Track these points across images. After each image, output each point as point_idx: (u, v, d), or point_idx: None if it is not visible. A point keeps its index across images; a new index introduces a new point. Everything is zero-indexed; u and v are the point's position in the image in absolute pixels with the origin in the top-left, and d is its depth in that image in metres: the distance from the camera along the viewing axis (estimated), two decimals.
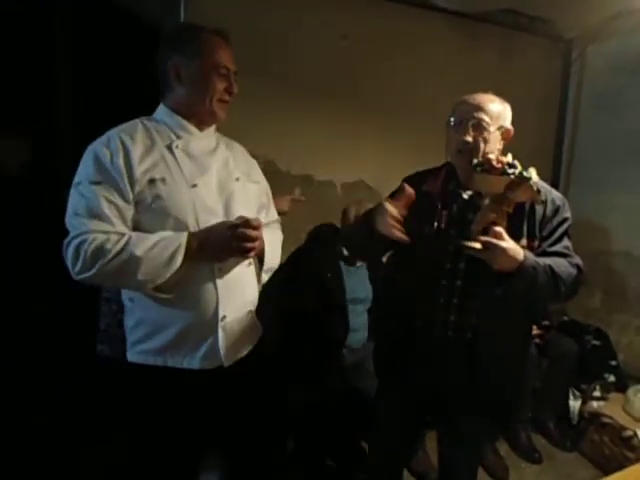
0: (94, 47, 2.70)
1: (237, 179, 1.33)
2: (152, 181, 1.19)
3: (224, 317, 1.27)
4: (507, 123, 1.41)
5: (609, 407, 2.42)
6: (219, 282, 1.25)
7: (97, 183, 1.17)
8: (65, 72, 2.72)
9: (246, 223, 1.21)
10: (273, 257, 1.41)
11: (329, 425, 2.16)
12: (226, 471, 1.63)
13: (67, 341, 2.41)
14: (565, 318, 2.92)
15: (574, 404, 2.59)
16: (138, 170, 1.18)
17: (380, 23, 2.60)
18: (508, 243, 1.23)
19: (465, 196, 1.41)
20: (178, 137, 1.27)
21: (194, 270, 1.21)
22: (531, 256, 1.28)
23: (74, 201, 1.19)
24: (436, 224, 1.37)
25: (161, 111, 1.31)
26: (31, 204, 2.58)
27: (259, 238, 1.24)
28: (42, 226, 2.56)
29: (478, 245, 1.24)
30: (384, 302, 1.63)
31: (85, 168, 1.19)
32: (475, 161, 1.27)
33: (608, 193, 2.96)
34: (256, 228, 1.22)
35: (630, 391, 2.37)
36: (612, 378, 2.64)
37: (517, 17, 2.83)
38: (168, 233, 1.19)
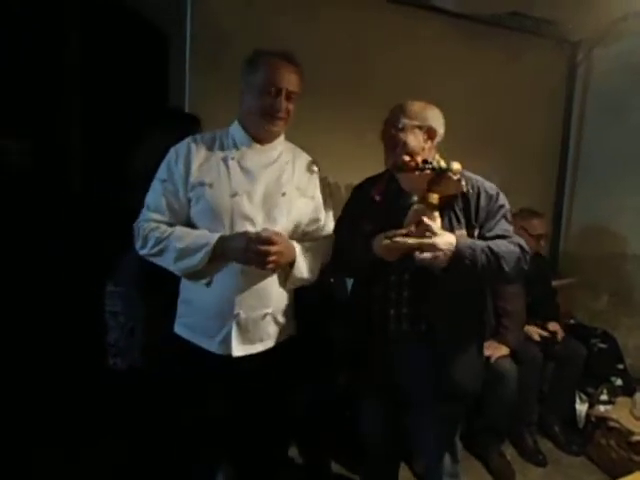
0: (103, 50, 2.74)
1: (284, 194, 1.43)
2: (202, 184, 1.38)
3: (238, 314, 1.39)
4: (430, 123, 1.50)
5: (616, 411, 2.40)
6: (239, 282, 1.38)
7: (163, 181, 1.41)
8: (74, 76, 2.75)
9: (259, 238, 1.31)
10: (304, 270, 1.46)
11: (331, 426, 2.16)
12: (231, 470, 1.64)
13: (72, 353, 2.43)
14: (572, 321, 2.91)
15: (581, 408, 2.57)
16: (194, 174, 1.38)
17: (385, 25, 2.60)
18: (440, 237, 1.33)
19: (404, 196, 1.51)
20: (237, 149, 1.43)
21: (222, 266, 1.38)
22: (465, 239, 1.38)
23: (149, 193, 1.44)
24: (379, 224, 1.45)
25: (233, 125, 1.48)
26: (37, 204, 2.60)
27: (271, 253, 1.32)
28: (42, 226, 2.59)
29: (411, 240, 1.33)
30: (349, 301, 1.73)
31: (161, 167, 1.44)
32: (396, 164, 1.42)
33: (614, 195, 2.94)
34: (272, 243, 1.31)
35: (637, 395, 2.36)
36: (619, 382, 2.62)
37: (523, 19, 2.83)
38: (205, 232, 1.37)
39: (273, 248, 1.32)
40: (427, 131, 1.50)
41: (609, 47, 2.97)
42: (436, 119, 1.52)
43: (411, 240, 1.33)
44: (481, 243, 1.37)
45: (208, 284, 1.39)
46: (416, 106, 1.52)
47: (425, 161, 1.37)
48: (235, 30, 2.21)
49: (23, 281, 2.52)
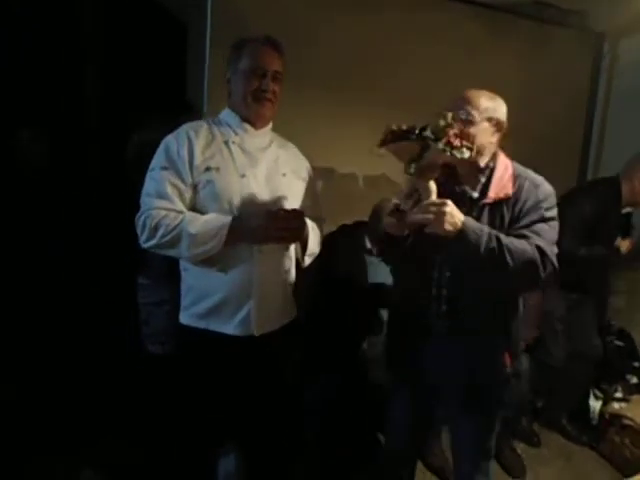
0: (122, 40, 2.74)
1: (284, 174, 1.49)
2: (208, 169, 1.39)
3: (258, 291, 1.42)
4: (499, 116, 1.42)
5: (631, 409, 2.40)
6: (256, 261, 1.40)
7: (165, 169, 1.39)
8: (93, 65, 2.76)
9: (283, 212, 1.36)
10: (315, 244, 1.55)
11: (345, 417, 2.18)
12: (242, 456, 1.67)
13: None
14: None
15: (595, 404, 2.56)
16: (198, 159, 1.39)
17: (404, 14, 2.56)
18: (450, 207, 1.25)
19: (458, 190, 1.44)
20: (236, 134, 1.46)
21: (236, 248, 1.38)
22: (472, 221, 1.29)
23: (147, 183, 1.42)
24: None
25: (224, 112, 1.52)
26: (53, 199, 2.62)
27: (295, 227, 1.39)
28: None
29: (423, 215, 1.26)
30: (392, 294, 1.71)
31: (158, 156, 1.42)
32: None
33: None
34: (296, 217, 1.38)
35: None
36: (634, 380, 2.60)
37: (546, 9, 2.77)
38: (216, 215, 1.37)
39: (297, 222, 1.39)
40: (496, 124, 1.41)
41: (636, 38, 2.89)
42: (502, 110, 1.43)
43: (422, 215, 1.27)
44: (490, 230, 1.30)
45: (222, 269, 1.40)
46: (484, 97, 1.41)
47: (409, 130, 1.24)
48: (255, 17, 2.21)
49: (23, 281, 2.54)
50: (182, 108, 1.99)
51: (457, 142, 1.22)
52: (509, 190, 1.38)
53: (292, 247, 1.51)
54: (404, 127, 1.24)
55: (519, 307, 1.50)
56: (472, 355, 1.44)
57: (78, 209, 2.58)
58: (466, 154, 1.23)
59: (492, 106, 1.41)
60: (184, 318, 1.49)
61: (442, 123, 1.23)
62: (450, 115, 1.23)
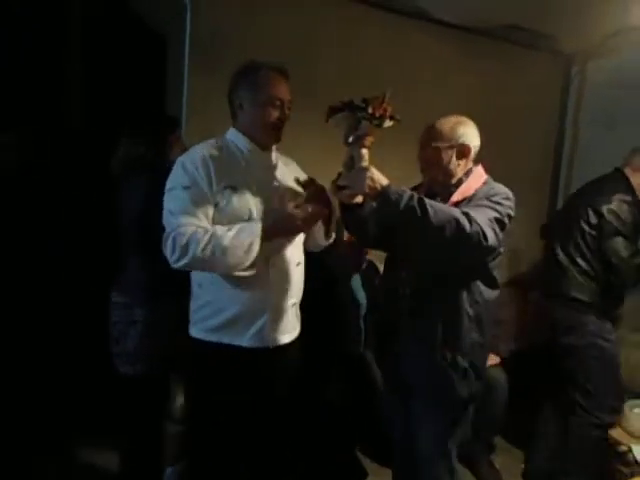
0: (104, 51, 2.75)
1: (289, 189, 1.57)
2: (226, 188, 1.44)
3: (273, 305, 1.49)
4: (463, 141, 1.53)
5: None
6: (271, 275, 1.47)
7: (187, 188, 1.42)
8: (76, 76, 2.76)
9: (310, 188, 1.46)
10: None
11: (323, 437, 2.16)
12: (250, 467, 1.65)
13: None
14: None
15: None
16: (216, 178, 1.43)
17: (376, 34, 2.61)
18: (372, 172, 1.36)
19: None
20: (245, 155, 1.52)
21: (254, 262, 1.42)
22: (395, 187, 1.37)
23: (169, 203, 1.44)
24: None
25: (231, 132, 1.55)
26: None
27: (322, 203, 1.47)
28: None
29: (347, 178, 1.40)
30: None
31: (176, 176, 1.45)
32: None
33: None
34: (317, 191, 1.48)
35: (626, 406, 2.37)
36: None
37: (517, 32, 2.86)
38: (244, 225, 1.41)
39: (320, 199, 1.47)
40: (462, 149, 1.53)
41: (603, 61, 3.01)
42: (469, 135, 1.54)
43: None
44: (413, 193, 1.36)
45: (237, 284, 1.44)
46: (447, 126, 1.54)
47: (343, 102, 1.36)
48: (234, 31, 2.23)
49: (22, 281, 2.50)
50: (165, 123, 1.97)
51: (378, 112, 1.33)
52: (468, 194, 1.51)
53: (302, 261, 1.59)
54: (344, 100, 1.35)
55: (459, 311, 1.53)
56: (419, 357, 1.54)
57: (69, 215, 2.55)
58: (387, 124, 1.36)
59: (457, 133, 1.53)
60: (195, 332, 1.52)
61: (377, 97, 1.34)
62: (389, 92, 1.34)
